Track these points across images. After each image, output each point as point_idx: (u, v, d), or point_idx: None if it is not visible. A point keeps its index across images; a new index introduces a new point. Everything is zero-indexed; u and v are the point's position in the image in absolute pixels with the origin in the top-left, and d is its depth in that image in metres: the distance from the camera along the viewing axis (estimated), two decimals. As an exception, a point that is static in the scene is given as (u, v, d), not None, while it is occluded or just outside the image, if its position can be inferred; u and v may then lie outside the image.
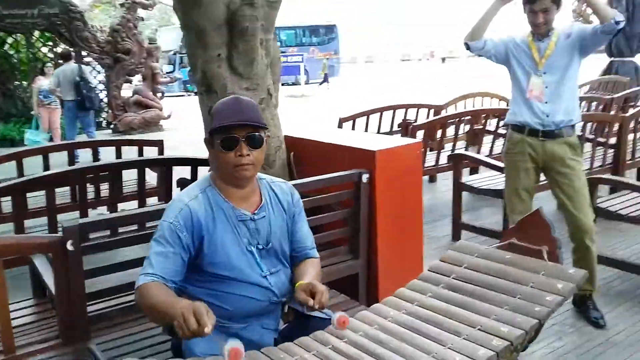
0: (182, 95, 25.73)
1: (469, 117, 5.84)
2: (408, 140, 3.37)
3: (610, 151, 5.05)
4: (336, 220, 3.02)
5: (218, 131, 1.86)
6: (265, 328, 1.94)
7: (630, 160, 5.03)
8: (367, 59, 69.17)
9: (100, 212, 4.49)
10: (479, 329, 1.53)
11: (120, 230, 3.08)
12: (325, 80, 26.76)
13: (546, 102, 3.17)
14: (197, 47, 3.12)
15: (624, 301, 3.42)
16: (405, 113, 6.44)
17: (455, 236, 4.66)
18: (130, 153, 4.80)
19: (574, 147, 3.23)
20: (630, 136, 5.08)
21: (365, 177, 2.95)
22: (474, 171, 5.88)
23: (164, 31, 29.39)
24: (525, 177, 3.31)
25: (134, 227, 3.09)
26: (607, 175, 4.58)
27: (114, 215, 2.66)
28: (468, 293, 1.70)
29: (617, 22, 2.91)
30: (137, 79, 14.02)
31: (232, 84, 3.11)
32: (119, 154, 4.62)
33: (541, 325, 1.55)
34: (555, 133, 3.19)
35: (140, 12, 13.92)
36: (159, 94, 13.86)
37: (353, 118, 5.83)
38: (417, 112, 6.64)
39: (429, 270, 1.88)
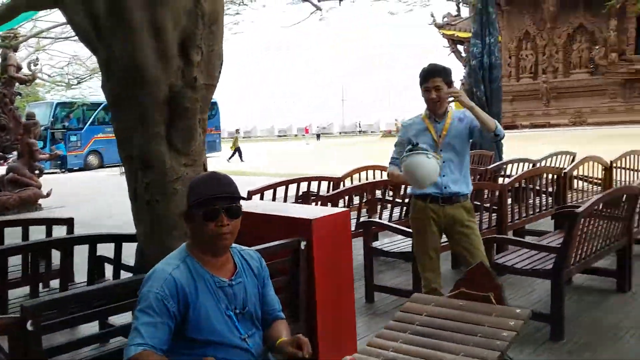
0: (56, 173, 24.45)
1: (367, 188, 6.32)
2: (337, 210, 3.65)
3: (493, 215, 5.72)
4: (276, 287, 3.17)
5: (199, 204, 2.01)
6: (247, 387, 2.05)
7: (510, 222, 5.72)
8: (244, 134, 70.48)
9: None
10: (453, 365, 1.78)
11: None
12: (238, 154, 27.54)
13: (444, 176, 3.61)
14: (135, 125, 3.22)
15: (529, 344, 3.86)
16: (309, 185, 6.80)
17: (369, 297, 4.95)
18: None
19: (469, 211, 3.72)
20: (508, 201, 5.81)
21: (303, 244, 3.16)
22: (373, 237, 6.30)
23: (33, 107, 28.15)
24: (431, 238, 3.72)
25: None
26: (508, 235, 5.19)
27: (65, 294, 2.62)
28: (434, 336, 1.96)
29: (497, 135, 3.50)
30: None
31: (170, 160, 3.22)
32: (25, 235, 4.44)
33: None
34: (452, 199, 3.65)
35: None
36: (37, 172, 13.17)
37: (261, 191, 6.07)
38: (319, 184, 7.03)
39: (393, 321, 2.12)
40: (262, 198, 6.12)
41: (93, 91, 21.27)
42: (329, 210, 3.57)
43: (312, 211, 3.39)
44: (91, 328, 3.82)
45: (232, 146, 28.84)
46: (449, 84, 3.65)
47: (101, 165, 28.16)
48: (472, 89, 11.76)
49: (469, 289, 2.11)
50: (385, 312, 4.69)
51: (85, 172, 26.39)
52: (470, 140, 3.72)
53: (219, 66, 3.36)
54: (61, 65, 18.84)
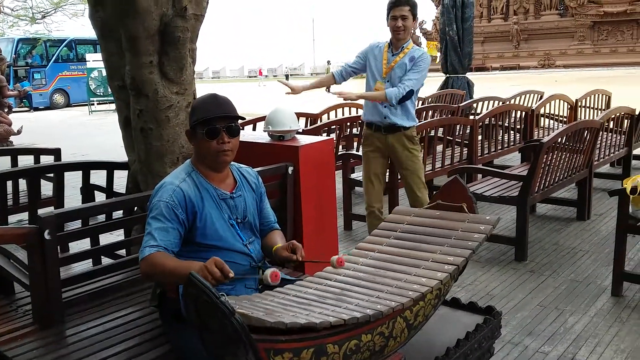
0: (22, 111, 23.93)
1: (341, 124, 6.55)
2: (322, 138, 3.86)
3: (465, 150, 6.01)
4: (266, 209, 3.40)
5: (201, 123, 2.19)
6: (248, 288, 2.29)
7: (480, 156, 6.03)
8: (213, 74, 69.21)
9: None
10: (431, 261, 2.05)
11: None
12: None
13: (385, 106, 3.88)
14: (127, 54, 3.32)
15: (495, 264, 4.24)
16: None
17: (347, 226, 5.25)
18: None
19: (411, 139, 3.98)
20: (479, 137, 6.10)
21: (290, 169, 3.38)
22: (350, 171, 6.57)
23: (-6, 42, 27.14)
24: (373, 163, 4.03)
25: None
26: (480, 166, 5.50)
27: (85, 205, 2.79)
28: (415, 240, 2.22)
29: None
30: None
31: (162, 88, 3.35)
32: (14, 163, 4.55)
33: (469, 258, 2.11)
34: (394, 128, 3.92)
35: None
36: (6, 109, 12.96)
37: (253, 122, 6.29)
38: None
39: (378, 229, 2.37)
40: (254, 129, 6.35)
41: (57, 26, 20.63)
42: (314, 138, 3.77)
43: (299, 139, 3.58)
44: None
45: None
46: (415, 16, 3.87)
47: (68, 104, 27.55)
48: (444, 28, 11.87)
49: (444, 200, 2.36)
50: (362, 239, 4.94)
51: (51, 110, 25.82)
52: None
53: (207, -4, 3.46)
54: (24, -2, 18.18)
